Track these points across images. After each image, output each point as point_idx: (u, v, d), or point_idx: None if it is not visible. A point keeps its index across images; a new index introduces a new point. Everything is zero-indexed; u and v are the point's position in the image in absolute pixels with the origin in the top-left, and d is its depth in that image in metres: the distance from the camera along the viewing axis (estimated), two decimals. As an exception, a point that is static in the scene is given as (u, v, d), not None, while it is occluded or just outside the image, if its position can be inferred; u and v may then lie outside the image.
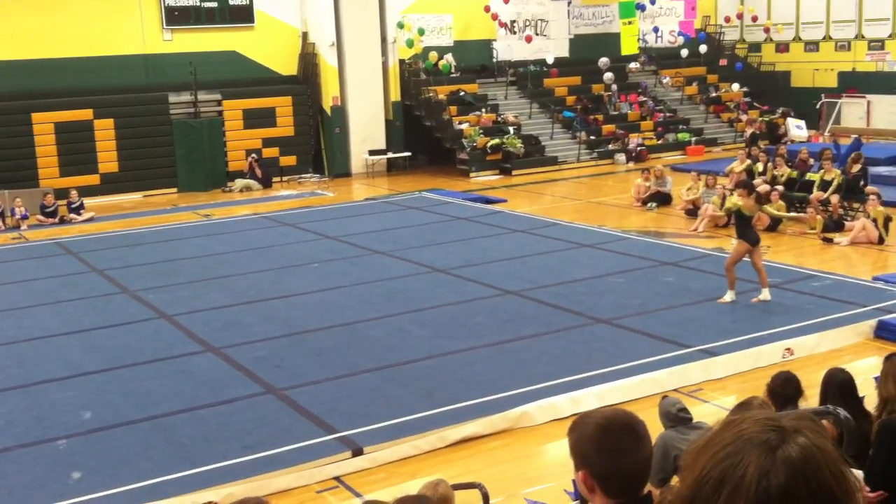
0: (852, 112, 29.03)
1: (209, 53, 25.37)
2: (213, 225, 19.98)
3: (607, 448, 2.37)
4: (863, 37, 29.55)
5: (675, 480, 5.39)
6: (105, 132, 24.04)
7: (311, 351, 10.96)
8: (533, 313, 12.06)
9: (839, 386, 6.02)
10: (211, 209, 21.94)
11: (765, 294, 11.89)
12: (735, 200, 12.01)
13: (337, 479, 7.91)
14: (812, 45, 31.00)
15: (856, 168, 17.88)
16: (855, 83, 29.32)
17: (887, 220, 15.49)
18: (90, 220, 21.13)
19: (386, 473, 7.93)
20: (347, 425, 8.59)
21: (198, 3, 25.37)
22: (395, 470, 7.96)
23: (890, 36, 28.81)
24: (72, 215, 21.17)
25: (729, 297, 11.99)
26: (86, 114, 23.79)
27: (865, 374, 8.46)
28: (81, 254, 17.16)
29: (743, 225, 11.94)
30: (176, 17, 25.17)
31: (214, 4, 25.60)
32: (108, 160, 24.12)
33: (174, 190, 24.67)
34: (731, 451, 1.36)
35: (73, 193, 21.57)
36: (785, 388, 6.00)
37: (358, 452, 8.09)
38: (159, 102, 24.78)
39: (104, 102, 24.00)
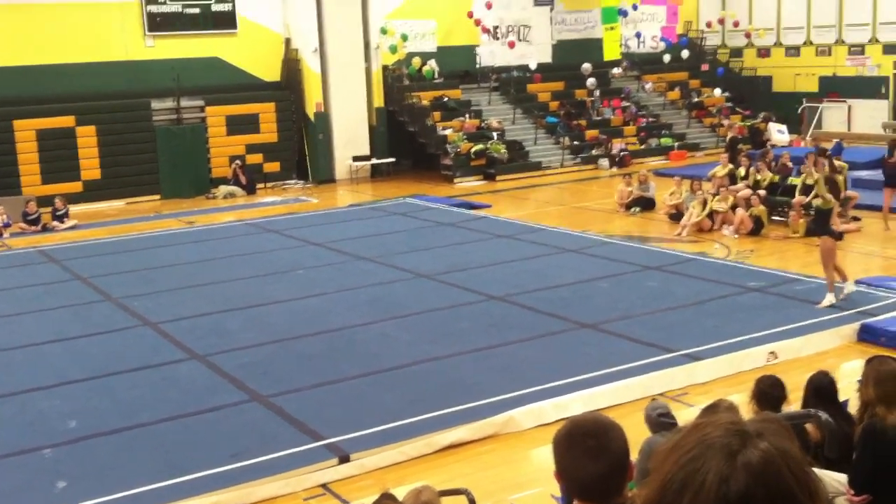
0: (833, 116, 29.26)
1: (192, 60, 25.32)
2: (196, 232, 19.92)
3: (567, 453, 2.46)
4: (843, 42, 29.77)
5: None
6: (87, 139, 23.94)
7: (297, 357, 10.94)
8: (518, 318, 12.09)
9: (821, 389, 6.07)
10: (194, 216, 21.88)
11: (848, 286, 11.95)
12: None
13: (324, 486, 7.90)
14: (793, 50, 31.21)
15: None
16: (836, 88, 29.54)
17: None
18: (73, 227, 21.03)
19: (373, 480, 7.92)
20: (334, 432, 8.58)
21: (180, 10, 25.32)
22: (383, 476, 7.95)
23: (870, 41, 29.04)
24: (55, 223, 21.05)
25: (830, 299, 11.86)
26: (68, 121, 23.69)
27: (849, 377, 8.52)
28: (65, 261, 17.08)
29: (824, 221, 12.05)
30: (158, 24, 25.09)
31: (197, 11, 25.55)
32: (90, 167, 24.01)
33: (157, 197, 24.59)
34: (694, 456, 1.38)
35: (59, 201, 21.48)
36: (772, 390, 6.03)
37: (345, 459, 8.09)
38: (142, 109, 24.69)
39: (86, 109, 23.90)
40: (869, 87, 28.70)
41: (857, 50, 29.35)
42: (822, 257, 12.08)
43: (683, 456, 1.39)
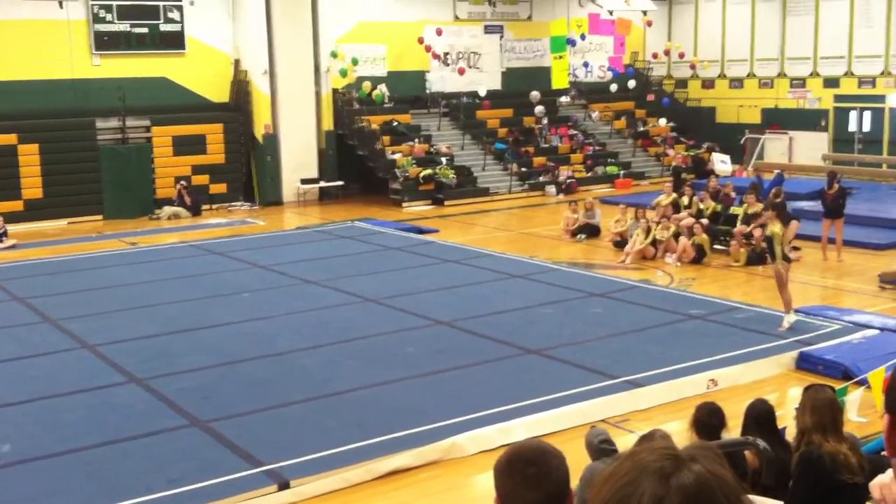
0: (775, 147, 29.82)
1: (139, 79, 25.05)
2: (139, 253, 19.65)
3: (507, 480, 2.45)
4: (785, 75, 30.45)
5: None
6: (30, 157, 23.55)
7: (240, 382, 10.80)
8: (464, 344, 12.08)
9: (759, 417, 6.15)
10: (137, 237, 21.58)
11: (790, 317, 12.22)
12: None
13: (263, 513, 7.79)
14: (737, 82, 31.84)
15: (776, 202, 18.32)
16: (777, 119, 30.16)
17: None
18: (12, 247, 20.61)
19: (313, 506, 7.84)
20: (275, 458, 8.47)
21: (128, 29, 25.08)
22: None
23: (811, 74, 29.74)
24: (-7, 242, 20.65)
25: (791, 319, 12.19)
26: (10, 138, 23.29)
27: (788, 405, 8.65)
28: (2, 282, 16.70)
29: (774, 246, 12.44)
30: (105, 43, 24.82)
31: (145, 30, 25.33)
32: (32, 186, 23.61)
33: (100, 217, 24.23)
34: (629, 480, 1.41)
35: (-1, 220, 21.10)
36: (710, 418, 6.10)
37: (284, 486, 7.98)
38: (86, 128, 24.36)
39: (30, 127, 23.51)
40: (809, 120, 29.36)
41: (799, 83, 30.04)
42: (777, 281, 12.39)
43: (619, 481, 1.42)
